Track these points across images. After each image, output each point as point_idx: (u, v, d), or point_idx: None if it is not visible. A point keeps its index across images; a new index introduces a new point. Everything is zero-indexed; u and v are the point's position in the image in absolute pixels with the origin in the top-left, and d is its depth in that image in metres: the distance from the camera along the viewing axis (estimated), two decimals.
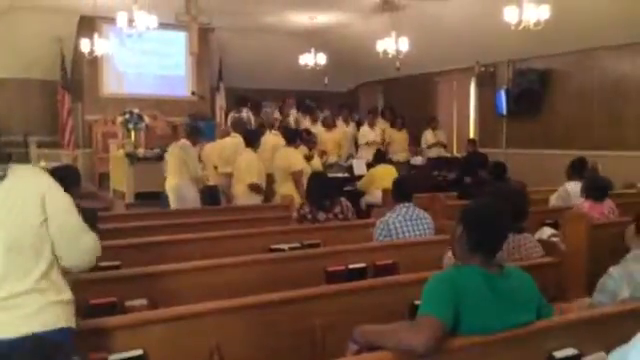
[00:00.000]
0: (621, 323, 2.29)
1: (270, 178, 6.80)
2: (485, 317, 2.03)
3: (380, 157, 8.19)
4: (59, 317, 1.88)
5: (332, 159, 9.56)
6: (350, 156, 9.94)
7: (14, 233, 1.82)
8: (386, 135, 10.55)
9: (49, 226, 1.90)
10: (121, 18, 8.50)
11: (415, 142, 10.74)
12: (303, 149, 7.07)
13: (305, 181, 5.64)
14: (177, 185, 6.59)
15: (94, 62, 10.76)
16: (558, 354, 2.17)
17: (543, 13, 7.13)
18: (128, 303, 2.87)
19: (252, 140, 6.78)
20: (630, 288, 2.67)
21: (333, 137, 9.91)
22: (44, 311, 1.84)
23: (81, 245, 2.00)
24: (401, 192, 4.28)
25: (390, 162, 8.47)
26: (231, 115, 9.53)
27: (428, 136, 10.80)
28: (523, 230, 3.32)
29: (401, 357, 1.92)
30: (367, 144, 10.09)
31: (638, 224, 2.87)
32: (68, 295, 1.95)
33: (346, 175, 8.68)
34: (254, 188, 6.50)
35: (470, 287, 2.04)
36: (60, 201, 1.95)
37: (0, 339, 1.78)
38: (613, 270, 2.80)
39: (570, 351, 2.20)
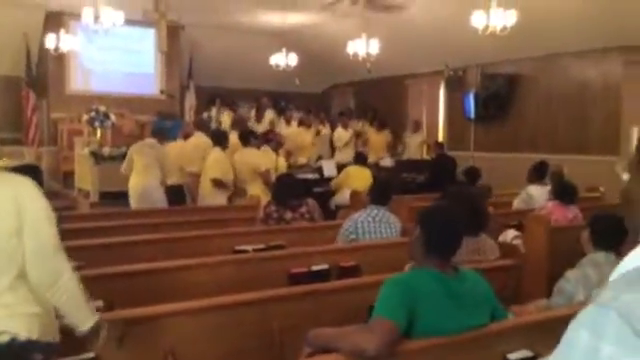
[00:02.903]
0: None
1: (236, 178, 6.76)
2: (439, 319, 2.05)
3: (359, 159, 8.19)
4: (21, 328, 1.80)
5: (302, 160, 9.56)
6: (320, 157, 9.97)
7: None
8: (363, 136, 10.65)
9: (23, 235, 1.82)
10: (87, 14, 8.34)
11: (393, 144, 10.92)
12: (267, 150, 7.04)
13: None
14: (144, 185, 6.45)
15: (60, 58, 10.54)
16: (512, 356, 2.19)
17: (510, 18, 7.23)
18: None
19: (219, 139, 6.74)
20: (586, 291, 2.72)
21: (309, 138, 9.95)
22: (5, 321, 1.78)
23: (47, 266, 1.87)
24: (378, 195, 4.30)
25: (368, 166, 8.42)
26: (202, 115, 9.47)
27: (408, 138, 10.96)
28: (480, 233, 3.34)
29: None
30: (343, 146, 10.20)
31: (592, 229, 2.93)
32: (38, 309, 1.85)
33: (315, 176, 8.67)
34: (217, 183, 6.46)
35: (424, 290, 2.05)
36: (38, 212, 1.86)
37: None
38: (570, 274, 2.85)
39: (524, 353, 2.22)
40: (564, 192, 4.98)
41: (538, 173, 5.84)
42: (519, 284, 3.42)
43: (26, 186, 1.90)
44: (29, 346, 1.74)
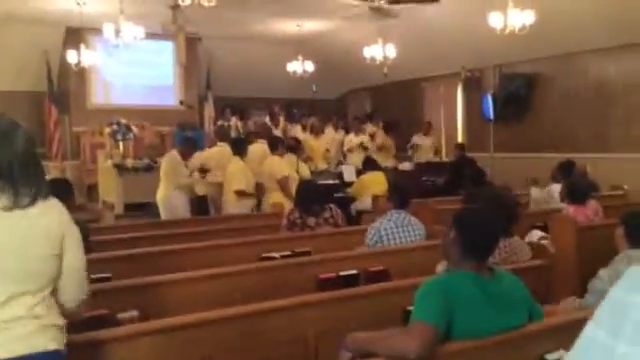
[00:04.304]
0: None
1: (259, 187, 6.80)
2: (478, 321, 2.04)
3: (369, 163, 8.21)
4: (50, 340, 1.88)
5: (322, 166, 9.57)
6: (339, 163, 9.95)
7: (24, 261, 1.83)
8: (378, 140, 10.59)
9: (63, 260, 1.92)
10: (107, 29, 8.49)
11: (401, 147, 10.82)
12: (290, 157, 7.08)
13: (293, 187, 5.65)
14: (165, 196, 6.58)
15: (81, 73, 10.70)
16: (550, 357, 2.18)
17: (528, 18, 7.20)
18: (120, 315, 2.85)
19: (239, 149, 6.79)
20: None
21: (321, 144, 9.93)
22: (37, 334, 1.84)
23: (81, 287, 2.01)
24: (397, 199, 4.30)
25: (379, 168, 8.48)
26: (218, 124, 9.51)
27: (417, 140, 10.86)
28: (512, 234, 3.34)
29: None
30: (350, 150, 10.09)
31: (627, 225, 2.90)
32: (61, 320, 1.95)
33: (336, 182, 8.69)
34: (240, 194, 6.50)
35: (462, 292, 2.05)
36: (75, 236, 1.97)
37: None
38: (603, 272, 2.83)
39: (562, 353, 2.20)
40: (575, 191, 4.89)
41: (564, 172, 5.76)
42: (549, 284, 3.40)
43: (64, 212, 1.97)
44: None
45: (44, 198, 1.89)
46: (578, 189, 4.92)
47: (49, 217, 1.89)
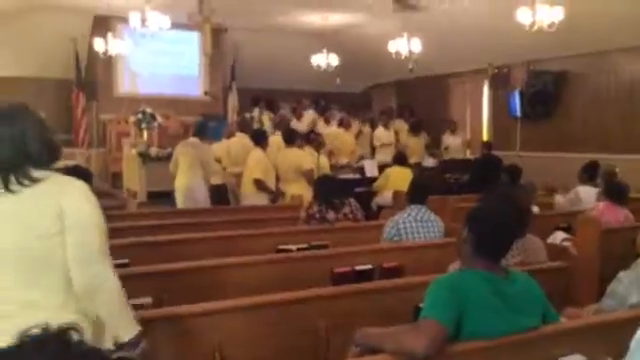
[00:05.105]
0: (630, 329, 2.23)
1: (277, 178, 6.80)
2: (489, 321, 2.00)
3: (399, 158, 8.12)
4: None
5: (343, 160, 9.54)
6: (362, 157, 9.92)
7: (22, 243, 1.77)
8: (401, 138, 10.53)
9: (65, 238, 1.81)
10: (134, 18, 8.56)
11: (432, 145, 10.71)
12: (309, 150, 7.06)
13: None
14: (188, 184, 6.56)
15: (108, 62, 10.82)
16: None
17: (557, 14, 7.05)
18: (132, 301, 2.86)
19: (260, 139, 6.79)
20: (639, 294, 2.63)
21: (350, 138, 9.91)
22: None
23: (91, 270, 1.84)
24: (417, 195, 4.27)
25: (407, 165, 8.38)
26: (242, 115, 9.57)
27: (447, 139, 10.77)
28: (526, 233, 3.26)
29: None
30: (382, 146, 10.09)
31: None
32: (73, 317, 1.78)
33: (357, 176, 8.65)
34: (258, 184, 6.50)
35: (473, 291, 2.01)
36: (82, 215, 1.83)
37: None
38: (623, 275, 2.75)
39: (577, 358, 2.15)
40: (616, 192, 4.82)
41: (588, 173, 5.65)
42: (570, 287, 3.32)
43: (74, 189, 1.87)
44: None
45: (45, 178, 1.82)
46: (619, 189, 4.83)
47: (46, 193, 1.81)
